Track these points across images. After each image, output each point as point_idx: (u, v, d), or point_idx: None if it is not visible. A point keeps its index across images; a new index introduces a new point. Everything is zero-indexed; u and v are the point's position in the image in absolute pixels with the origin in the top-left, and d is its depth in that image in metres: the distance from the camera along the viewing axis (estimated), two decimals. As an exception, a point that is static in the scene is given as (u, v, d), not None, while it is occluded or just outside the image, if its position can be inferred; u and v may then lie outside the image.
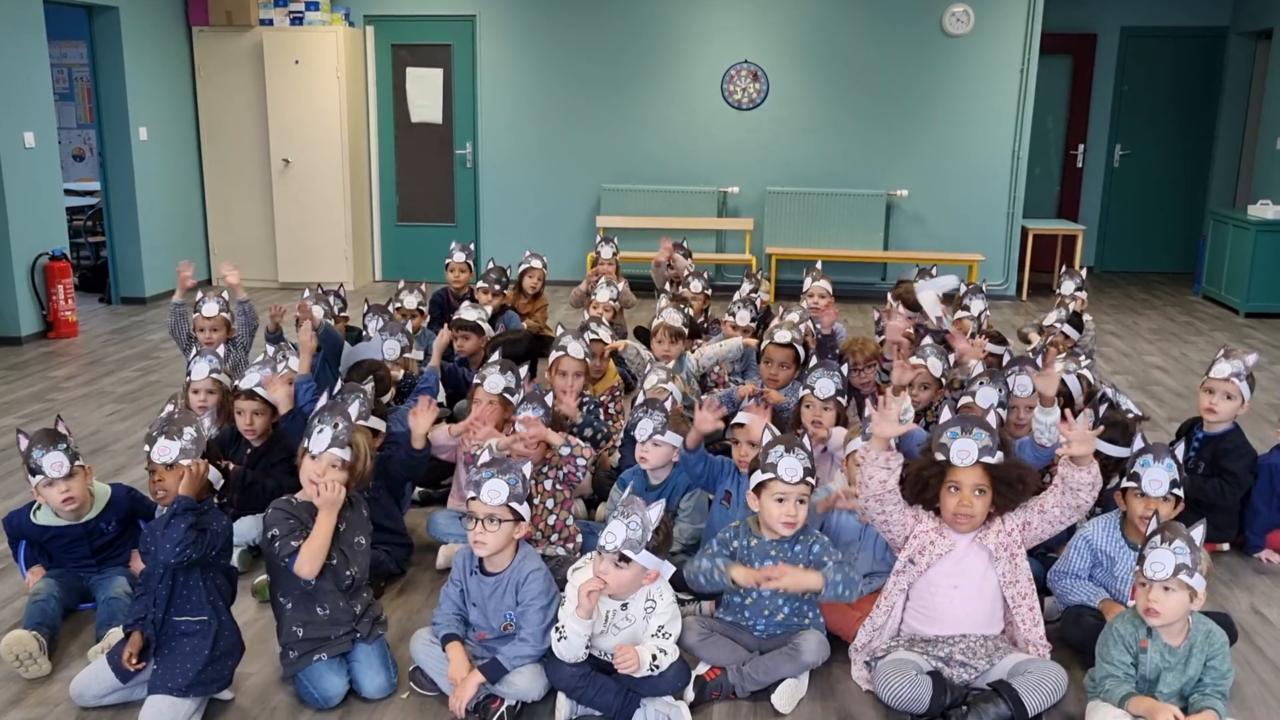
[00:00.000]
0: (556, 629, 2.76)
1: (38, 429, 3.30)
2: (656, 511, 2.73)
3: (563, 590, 2.86)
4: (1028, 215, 9.61)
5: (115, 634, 3.03)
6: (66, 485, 3.25)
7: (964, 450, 2.89)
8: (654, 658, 2.77)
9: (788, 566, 2.94)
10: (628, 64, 9.17)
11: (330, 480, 2.84)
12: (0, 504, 4.25)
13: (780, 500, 2.98)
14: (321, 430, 2.94)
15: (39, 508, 3.37)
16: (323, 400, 3.22)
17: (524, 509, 2.85)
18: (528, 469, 2.93)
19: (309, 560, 2.79)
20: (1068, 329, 5.10)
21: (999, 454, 2.91)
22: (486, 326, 5.42)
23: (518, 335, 5.55)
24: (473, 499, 2.83)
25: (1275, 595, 3.66)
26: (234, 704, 2.91)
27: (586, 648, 2.77)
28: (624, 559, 2.69)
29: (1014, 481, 2.93)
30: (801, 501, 2.98)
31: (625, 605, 2.81)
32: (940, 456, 2.92)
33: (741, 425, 3.56)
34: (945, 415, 3.07)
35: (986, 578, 2.95)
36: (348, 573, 2.90)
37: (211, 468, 2.94)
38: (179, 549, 2.67)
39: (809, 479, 2.98)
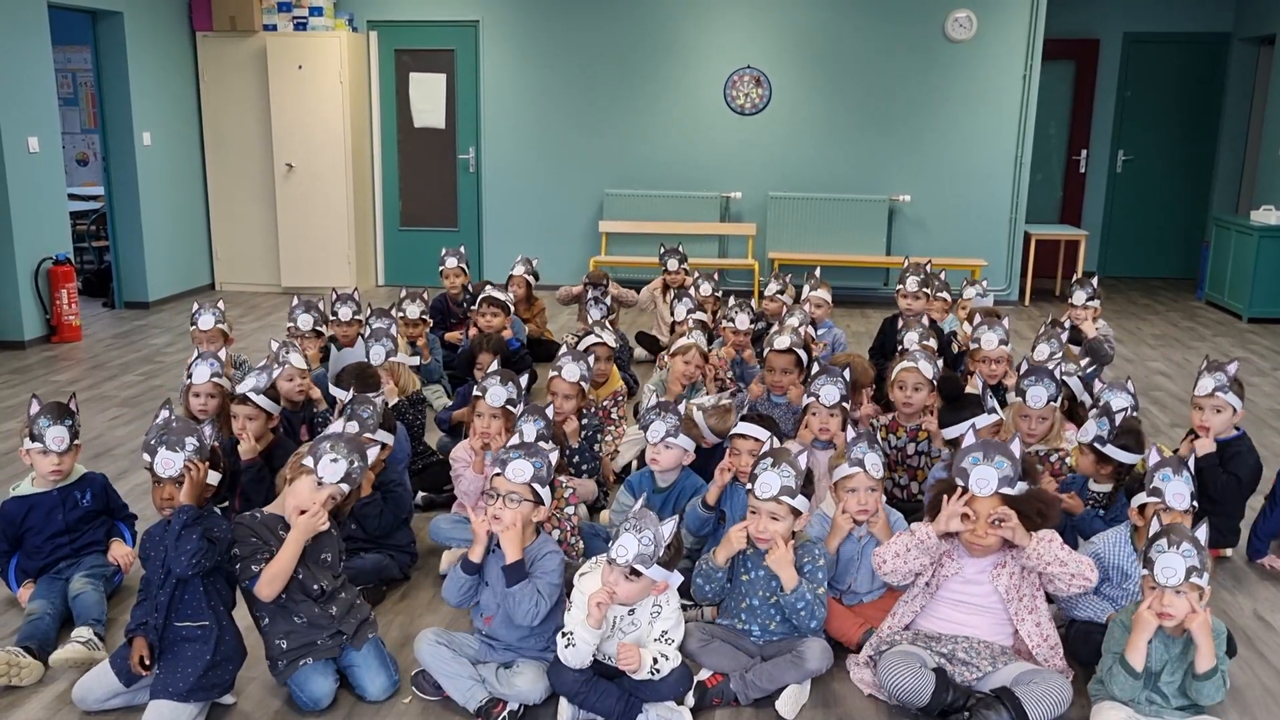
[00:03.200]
0: (564, 635, 2.75)
1: (51, 400, 3.44)
2: (670, 527, 2.71)
3: (569, 595, 2.86)
4: (1030, 220, 9.61)
5: (83, 632, 3.12)
6: (60, 459, 3.40)
7: (983, 478, 2.86)
8: (655, 661, 2.77)
9: (779, 555, 2.93)
10: (630, 69, 9.18)
11: (321, 509, 2.84)
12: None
13: (752, 512, 2.98)
14: (335, 460, 2.88)
15: (18, 486, 3.49)
16: (336, 425, 3.11)
17: (545, 493, 2.88)
18: (554, 456, 2.96)
19: (269, 584, 2.78)
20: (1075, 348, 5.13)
21: (1021, 484, 2.87)
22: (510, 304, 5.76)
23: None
24: (496, 475, 2.87)
25: (1278, 601, 3.66)
26: (235, 708, 2.91)
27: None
28: (635, 572, 2.69)
29: (1033, 515, 2.89)
30: (775, 519, 2.96)
31: (632, 611, 2.81)
32: (961, 482, 2.90)
33: (741, 436, 3.54)
34: (970, 439, 3.01)
35: (991, 599, 2.96)
36: (315, 586, 2.89)
37: (211, 471, 2.90)
38: (195, 560, 2.69)
39: (786, 497, 2.93)
